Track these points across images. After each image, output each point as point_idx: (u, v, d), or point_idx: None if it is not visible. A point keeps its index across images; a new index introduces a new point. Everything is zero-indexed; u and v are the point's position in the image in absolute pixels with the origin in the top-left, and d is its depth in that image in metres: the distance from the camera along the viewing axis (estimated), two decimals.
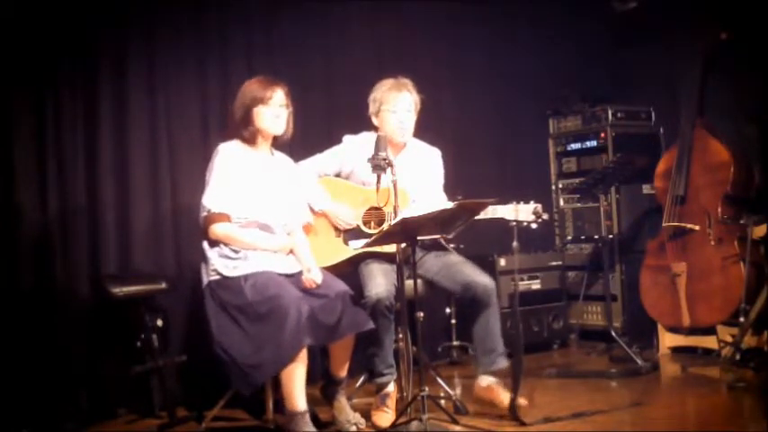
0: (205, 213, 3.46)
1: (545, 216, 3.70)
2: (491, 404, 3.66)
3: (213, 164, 3.52)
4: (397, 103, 3.84)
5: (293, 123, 3.65)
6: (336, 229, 3.87)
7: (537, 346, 5.13)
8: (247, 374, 3.31)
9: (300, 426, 3.30)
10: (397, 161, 3.82)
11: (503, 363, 3.73)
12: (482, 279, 3.71)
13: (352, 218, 3.84)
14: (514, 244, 3.64)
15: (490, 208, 3.63)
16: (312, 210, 3.84)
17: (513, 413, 3.51)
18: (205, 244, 3.51)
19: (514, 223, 3.66)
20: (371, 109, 3.91)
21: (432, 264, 3.82)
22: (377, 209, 3.75)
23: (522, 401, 3.56)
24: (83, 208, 4.00)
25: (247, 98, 3.54)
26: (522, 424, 3.47)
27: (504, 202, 3.67)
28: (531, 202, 3.68)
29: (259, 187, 3.55)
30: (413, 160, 3.92)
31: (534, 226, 3.69)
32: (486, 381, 3.73)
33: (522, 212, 3.65)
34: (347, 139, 3.98)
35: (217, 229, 3.46)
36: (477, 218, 3.56)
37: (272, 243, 3.53)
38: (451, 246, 3.99)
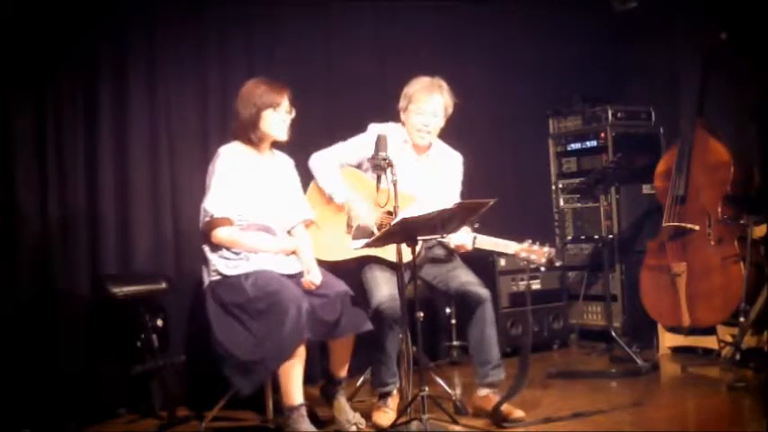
0: (207, 218, 3.46)
1: (558, 263, 3.70)
2: (488, 414, 3.64)
3: (214, 167, 3.51)
4: (424, 105, 3.77)
5: (292, 125, 3.66)
6: (348, 225, 3.84)
7: (537, 346, 5.12)
8: (249, 371, 3.31)
9: (298, 419, 3.31)
10: (419, 162, 3.82)
11: (498, 375, 3.72)
12: (477, 289, 3.68)
13: (372, 218, 3.74)
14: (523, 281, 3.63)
15: (504, 242, 3.63)
16: (331, 201, 3.79)
17: (495, 412, 3.52)
18: (205, 246, 3.52)
19: (525, 262, 3.65)
20: (401, 104, 3.85)
21: (431, 267, 3.81)
22: (391, 213, 3.72)
23: (518, 413, 3.54)
24: (83, 208, 4.00)
25: (257, 100, 3.51)
26: (504, 427, 3.48)
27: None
28: (547, 245, 3.65)
29: (260, 189, 3.55)
30: (434, 163, 3.89)
31: (543, 269, 3.69)
32: (483, 392, 3.73)
33: (534, 254, 3.63)
34: (372, 127, 3.86)
35: (220, 234, 3.45)
36: (487, 248, 3.60)
37: (274, 245, 3.53)
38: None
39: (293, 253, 3.61)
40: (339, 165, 3.87)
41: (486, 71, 5.49)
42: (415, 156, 3.84)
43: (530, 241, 3.64)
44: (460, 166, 3.98)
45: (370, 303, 3.58)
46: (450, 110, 3.84)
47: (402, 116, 3.87)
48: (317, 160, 3.86)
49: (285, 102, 3.55)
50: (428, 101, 3.77)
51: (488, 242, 3.65)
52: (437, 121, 3.82)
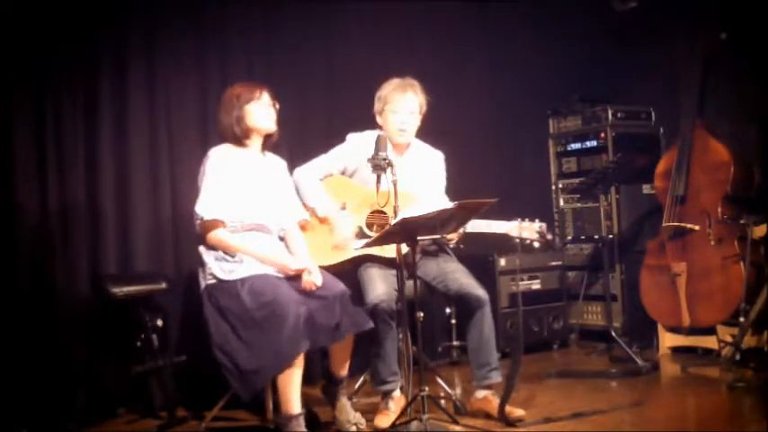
0: (198, 221, 3.47)
1: (549, 237, 3.70)
2: (487, 415, 3.64)
3: (204, 169, 3.52)
4: (400, 104, 3.82)
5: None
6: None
7: (537, 346, 5.13)
8: (246, 379, 3.31)
9: (295, 428, 3.30)
10: (400, 162, 3.82)
11: (495, 378, 3.71)
12: (475, 291, 3.68)
13: (349, 232, 3.80)
14: (517, 261, 3.65)
15: (495, 223, 3.64)
16: (315, 214, 3.83)
17: (501, 415, 3.52)
18: (202, 248, 3.52)
19: (518, 240, 3.66)
20: (376, 107, 3.90)
21: (430, 268, 3.81)
22: (381, 212, 3.74)
23: (518, 413, 3.55)
24: (83, 208, 4.00)
25: (236, 99, 3.55)
26: (513, 426, 3.48)
27: (509, 217, 3.67)
28: (537, 220, 3.68)
29: (253, 189, 3.55)
30: (415, 161, 3.91)
31: (537, 245, 3.70)
32: (481, 394, 3.72)
33: (526, 230, 3.65)
34: (351, 137, 3.96)
35: (211, 237, 3.47)
36: (480, 231, 3.58)
37: (267, 253, 3.50)
38: (452, 245, 3.98)
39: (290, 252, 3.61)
40: (323, 176, 3.92)
41: (486, 71, 5.49)
42: (394, 156, 3.85)
43: (519, 219, 3.67)
44: (443, 163, 4.02)
45: (365, 299, 3.58)
46: (425, 107, 3.90)
47: (379, 120, 3.92)
48: (300, 175, 3.90)
49: (264, 95, 3.58)
50: (403, 100, 3.83)
51: (480, 225, 3.67)
52: (414, 118, 3.87)
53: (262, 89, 3.59)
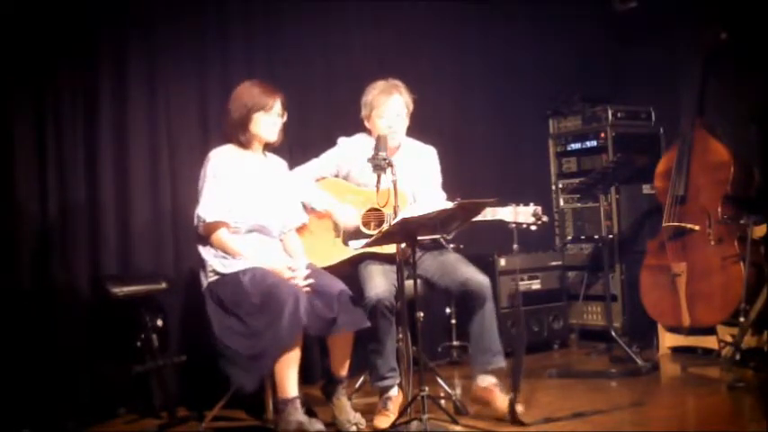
0: (201, 223, 3.48)
1: (545, 218, 3.69)
2: (488, 406, 3.65)
3: (205, 172, 3.53)
4: (386, 108, 3.83)
5: (289, 126, 3.68)
6: (336, 229, 3.87)
7: (537, 346, 5.13)
8: (250, 366, 3.33)
9: (292, 411, 3.31)
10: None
11: (499, 362, 3.70)
12: (477, 277, 3.68)
13: (355, 218, 3.81)
14: (515, 246, 3.65)
15: (489, 210, 3.62)
16: (314, 210, 3.83)
17: (512, 414, 3.51)
18: (200, 248, 3.54)
19: (514, 225, 3.65)
20: (363, 112, 3.91)
21: (429, 264, 3.81)
22: (376, 210, 3.75)
23: (518, 408, 3.53)
24: (83, 208, 4.00)
25: (248, 102, 3.55)
26: (522, 424, 3.47)
27: (504, 203, 3.66)
28: (531, 204, 3.68)
29: (254, 190, 3.56)
30: (407, 160, 3.89)
31: (534, 228, 3.69)
32: (484, 381, 3.69)
33: (521, 214, 3.65)
34: (342, 141, 4.00)
35: (214, 238, 3.48)
36: (476, 219, 3.54)
37: (265, 260, 3.52)
38: (451, 246, 3.99)
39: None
40: (316, 178, 3.95)
41: (486, 71, 5.49)
42: None
43: (514, 204, 3.66)
44: (436, 158, 4.01)
45: (364, 294, 3.58)
46: (412, 107, 3.90)
47: (367, 124, 3.93)
48: (294, 176, 3.90)
49: (277, 104, 3.58)
50: (388, 103, 3.83)
51: None
52: (402, 119, 3.86)
53: (276, 98, 3.58)
